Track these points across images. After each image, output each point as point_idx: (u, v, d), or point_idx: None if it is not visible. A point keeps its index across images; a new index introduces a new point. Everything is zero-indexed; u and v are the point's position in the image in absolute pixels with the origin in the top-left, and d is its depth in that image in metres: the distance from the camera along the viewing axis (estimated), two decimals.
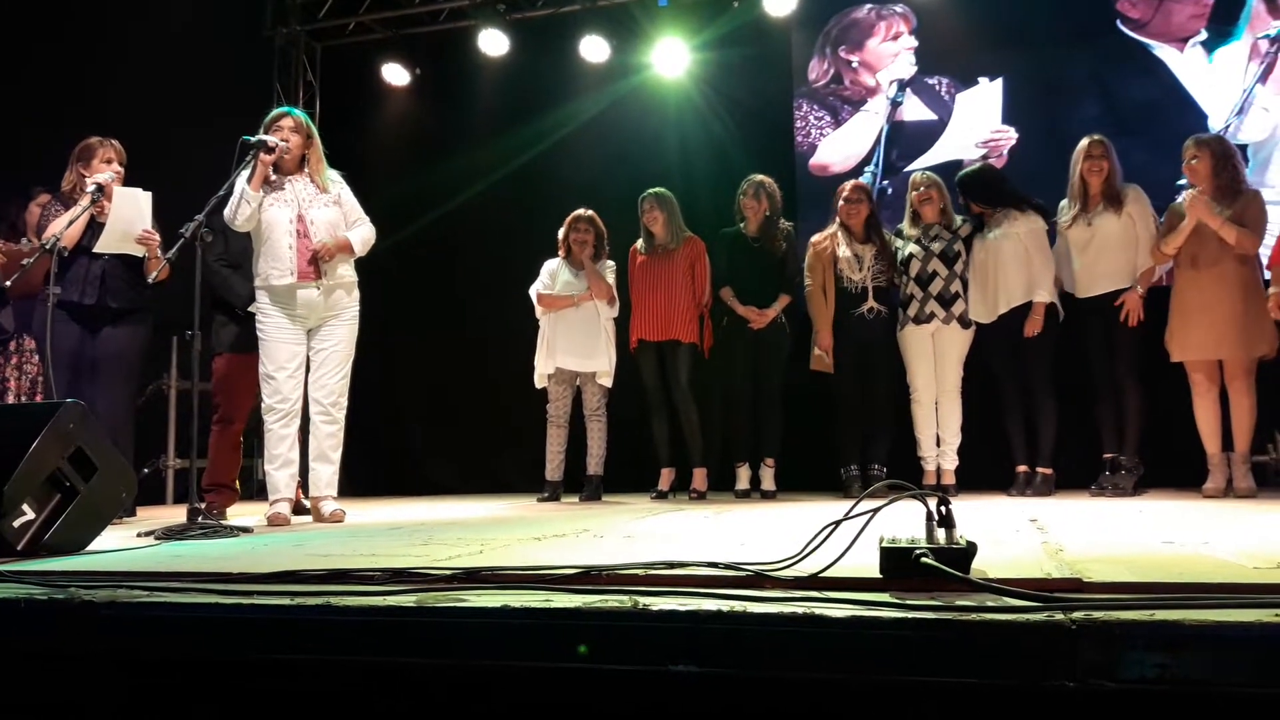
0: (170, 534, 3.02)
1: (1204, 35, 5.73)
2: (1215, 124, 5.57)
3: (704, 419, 5.29)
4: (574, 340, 5.26)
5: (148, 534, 3.05)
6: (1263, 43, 5.58)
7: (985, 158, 6.00)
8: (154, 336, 4.61)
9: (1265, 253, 4.48)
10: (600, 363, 5.26)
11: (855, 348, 5.02)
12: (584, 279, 5.30)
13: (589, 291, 5.26)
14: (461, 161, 6.97)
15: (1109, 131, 4.84)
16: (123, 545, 2.77)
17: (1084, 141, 4.70)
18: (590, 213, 5.38)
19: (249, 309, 4.18)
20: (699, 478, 5.24)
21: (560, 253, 5.42)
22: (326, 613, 1.54)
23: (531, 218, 6.27)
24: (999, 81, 6.06)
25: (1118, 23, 5.90)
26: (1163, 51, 5.80)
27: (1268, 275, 4.40)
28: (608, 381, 5.31)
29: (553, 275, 5.39)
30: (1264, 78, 5.56)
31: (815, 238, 5.18)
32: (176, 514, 3.79)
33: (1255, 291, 4.33)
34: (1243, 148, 5.46)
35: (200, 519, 3.29)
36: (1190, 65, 5.74)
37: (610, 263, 5.39)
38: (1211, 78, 5.68)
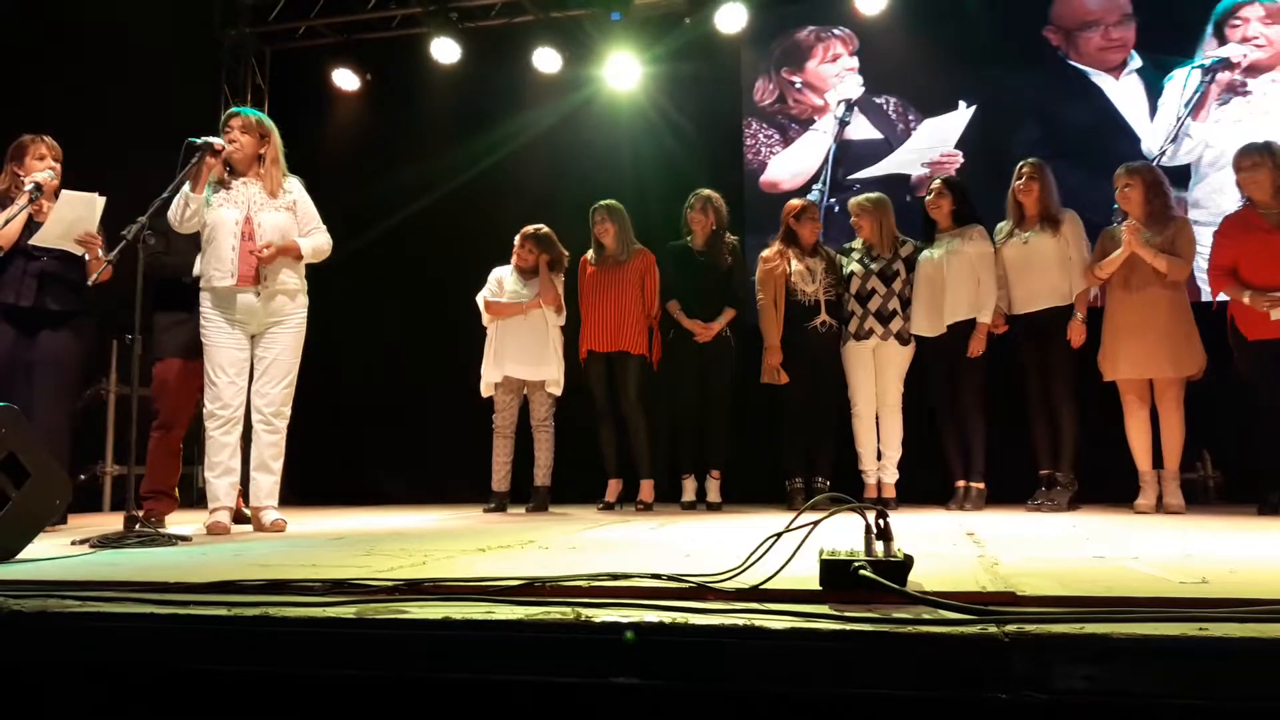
0: (106, 542, 2.96)
1: (1139, 63, 5.91)
2: (1151, 150, 5.74)
3: (651, 431, 5.31)
4: (522, 349, 5.24)
5: (82, 542, 2.98)
6: (1197, 72, 5.77)
7: (932, 178, 6.12)
8: (95, 340, 4.51)
9: (1200, 275, 4.64)
10: (549, 371, 5.25)
11: (805, 361, 5.07)
12: (531, 288, 5.28)
13: (538, 298, 5.25)
14: (412, 168, 6.93)
15: (1047, 154, 4.97)
16: (56, 553, 2.71)
17: (1019, 164, 4.83)
18: (543, 233, 5.33)
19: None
20: (646, 489, 5.25)
21: (514, 261, 5.39)
22: (264, 624, 1.52)
23: (482, 226, 6.26)
24: (972, 107, 6.18)
25: (1069, 45, 6.07)
26: (1098, 78, 5.98)
27: (1207, 297, 4.55)
28: (557, 391, 5.30)
29: (500, 283, 5.38)
30: (1195, 108, 5.75)
31: (765, 253, 5.23)
32: (113, 522, 3.71)
33: (1183, 314, 4.47)
34: (1184, 169, 5.65)
35: (137, 527, 3.23)
36: (1125, 92, 5.92)
37: (558, 278, 5.37)
38: (1143, 105, 5.87)
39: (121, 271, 3.52)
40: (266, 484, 3.86)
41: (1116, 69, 5.96)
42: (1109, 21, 6.02)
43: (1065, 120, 5.94)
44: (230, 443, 3.81)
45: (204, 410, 3.84)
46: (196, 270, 3.90)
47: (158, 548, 2.96)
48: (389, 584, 1.75)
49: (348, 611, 1.53)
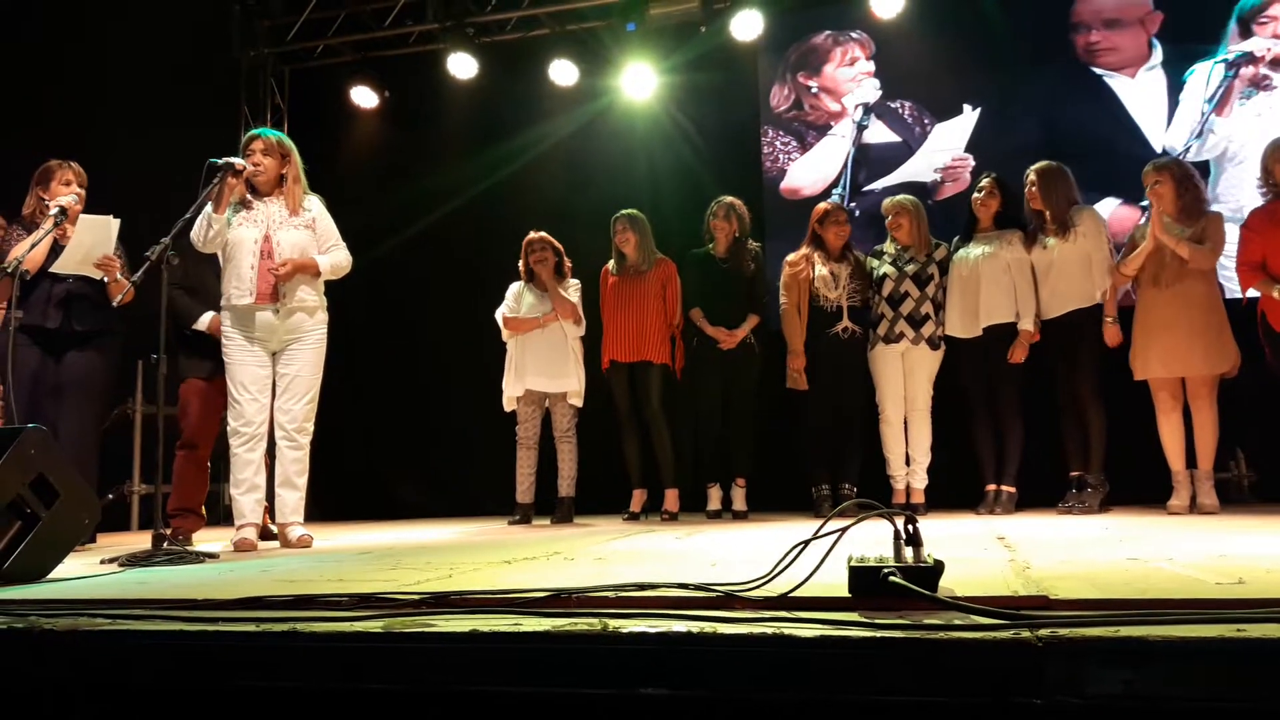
0: (134, 560, 2.98)
1: (1160, 58, 5.85)
2: (1174, 146, 5.69)
3: (675, 440, 5.29)
4: (542, 361, 5.25)
5: (111, 561, 3.00)
6: (1220, 66, 5.71)
7: (943, 183, 6.11)
8: (121, 360, 4.55)
9: (1225, 274, 4.58)
10: (569, 383, 5.26)
11: (829, 367, 5.04)
12: (549, 300, 5.30)
13: (554, 312, 5.26)
14: (430, 183, 6.97)
15: (1059, 155, 4.91)
16: (85, 572, 2.73)
17: (1027, 172, 4.80)
18: (542, 233, 5.38)
19: (194, 327, 4.23)
20: (671, 499, 5.24)
21: (523, 277, 5.43)
22: (292, 639, 1.52)
23: (501, 239, 6.27)
24: (977, 110, 6.15)
25: (1071, 49, 6.03)
26: (1110, 78, 5.94)
27: (1234, 294, 4.50)
28: (578, 402, 5.30)
29: (517, 298, 5.40)
30: (1220, 103, 5.69)
31: (790, 257, 5.21)
32: (141, 540, 3.74)
33: (1216, 310, 4.40)
34: (1205, 164, 5.59)
35: (165, 545, 3.25)
36: (1138, 91, 5.88)
37: (574, 281, 5.39)
38: (1159, 104, 5.82)
39: (147, 290, 3.56)
40: (292, 500, 3.87)
41: (1130, 68, 5.92)
42: (1096, 24, 6.00)
43: (1076, 122, 5.89)
44: (255, 460, 3.82)
45: (228, 428, 3.86)
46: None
47: (185, 565, 2.97)
48: (416, 597, 1.75)
49: (375, 625, 1.53)
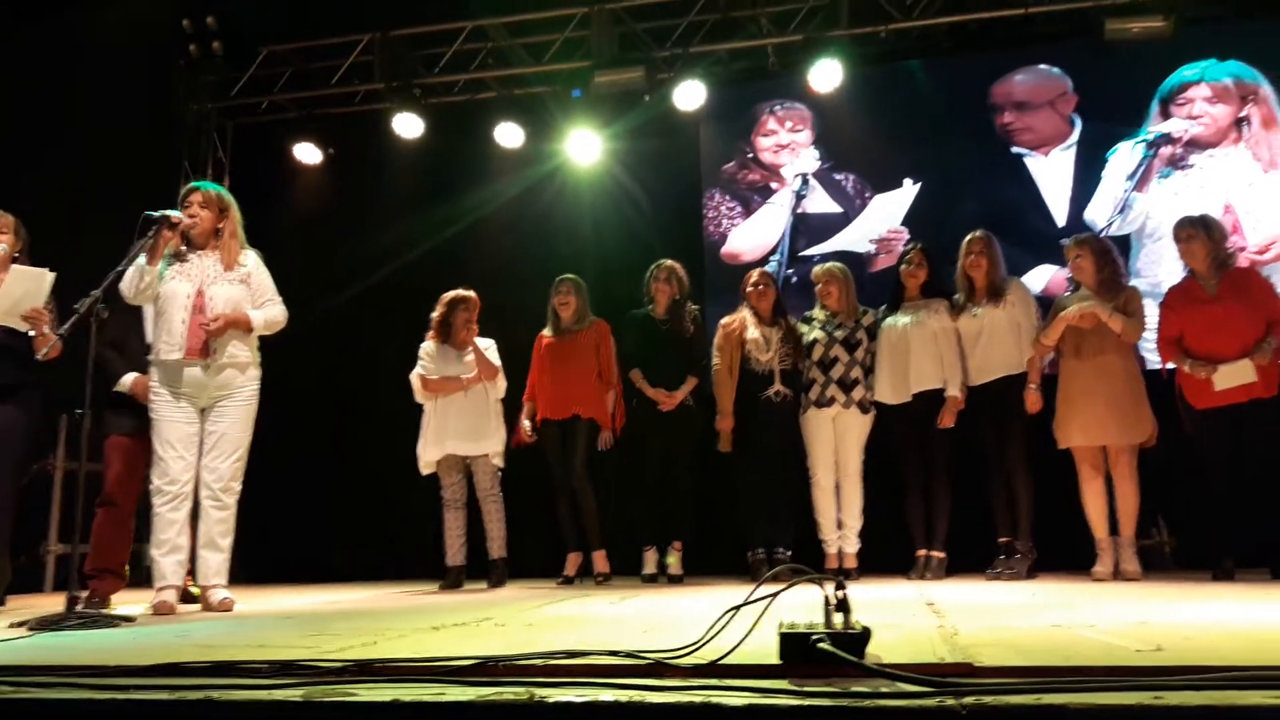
0: (45, 624, 2.87)
1: (1075, 138, 6.11)
2: (1098, 221, 5.92)
3: (604, 500, 5.24)
4: (465, 424, 5.14)
5: (20, 624, 2.89)
6: (1141, 145, 5.97)
7: (877, 255, 6.27)
8: (41, 415, 4.41)
9: (1147, 346, 4.74)
10: (492, 443, 5.16)
11: (761, 430, 5.07)
12: (460, 361, 5.21)
13: (478, 374, 5.20)
14: (372, 241, 6.94)
15: (988, 229, 5.04)
16: None
17: (966, 238, 4.93)
18: (470, 292, 5.29)
19: (115, 389, 4.11)
20: (600, 560, 5.18)
21: (433, 334, 5.29)
22: (208, 708, 1.47)
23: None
24: (917, 185, 6.33)
25: (992, 128, 6.28)
26: (1030, 157, 6.21)
27: (1155, 365, 4.63)
28: (500, 461, 5.21)
29: (433, 358, 5.27)
30: (1140, 180, 5.94)
31: (725, 320, 5.27)
32: (55, 603, 3.60)
33: (1134, 381, 4.55)
34: (1126, 238, 5.82)
35: (79, 607, 3.13)
36: (1049, 169, 6.14)
37: (489, 341, 5.33)
38: (1066, 183, 6.09)
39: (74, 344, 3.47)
40: (215, 562, 3.76)
41: (1046, 146, 6.18)
42: (1008, 106, 6.27)
43: (995, 197, 6.12)
44: (178, 519, 3.71)
45: (151, 486, 3.75)
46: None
47: (99, 629, 2.87)
48: (338, 665, 1.71)
49: (295, 694, 1.49)
